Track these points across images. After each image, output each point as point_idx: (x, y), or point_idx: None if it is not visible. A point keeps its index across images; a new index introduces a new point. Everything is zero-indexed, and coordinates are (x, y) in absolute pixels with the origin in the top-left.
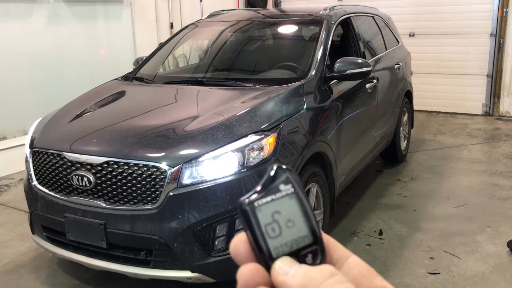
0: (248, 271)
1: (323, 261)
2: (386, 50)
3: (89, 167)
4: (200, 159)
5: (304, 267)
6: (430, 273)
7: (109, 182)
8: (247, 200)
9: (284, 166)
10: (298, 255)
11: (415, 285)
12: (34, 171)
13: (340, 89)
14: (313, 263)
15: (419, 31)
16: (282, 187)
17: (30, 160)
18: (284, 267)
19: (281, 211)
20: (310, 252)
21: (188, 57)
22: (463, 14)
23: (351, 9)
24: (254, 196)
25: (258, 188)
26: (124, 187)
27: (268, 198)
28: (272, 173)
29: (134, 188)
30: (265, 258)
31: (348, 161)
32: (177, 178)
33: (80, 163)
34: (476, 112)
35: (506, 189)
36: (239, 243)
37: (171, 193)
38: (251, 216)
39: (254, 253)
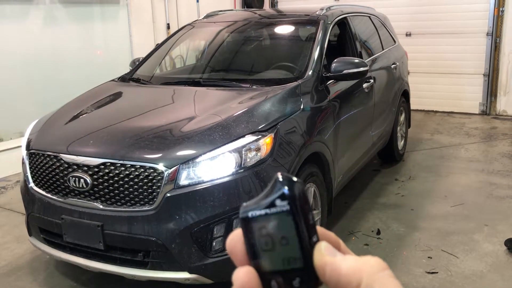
0: (244, 275)
1: None
2: (383, 49)
3: (86, 168)
4: (197, 160)
5: (351, 255)
6: (428, 272)
7: (106, 184)
8: (243, 208)
9: (284, 179)
10: (287, 275)
11: (413, 285)
12: (31, 173)
13: (337, 89)
14: None
15: (415, 31)
16: (278, 202)
17: (27, 162)
18: (331, 248)
19: (275, 226)
20: (299, 276)
21: (185, 57)
22: (459, 14)
23: (348, 9)
24: (251, 205)
25: (259, 197)
26: (121, 189)
27: (262, 212)
28: (271, 184)
29: (131, 189)
30: (256, 266)
31: (346, 161)
32: (174, 179)
33: (77, 164)
34: (473, 111)
35: (504, 188)
36: (236, 242)
37: (168, 194)
38: (245, 224)
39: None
